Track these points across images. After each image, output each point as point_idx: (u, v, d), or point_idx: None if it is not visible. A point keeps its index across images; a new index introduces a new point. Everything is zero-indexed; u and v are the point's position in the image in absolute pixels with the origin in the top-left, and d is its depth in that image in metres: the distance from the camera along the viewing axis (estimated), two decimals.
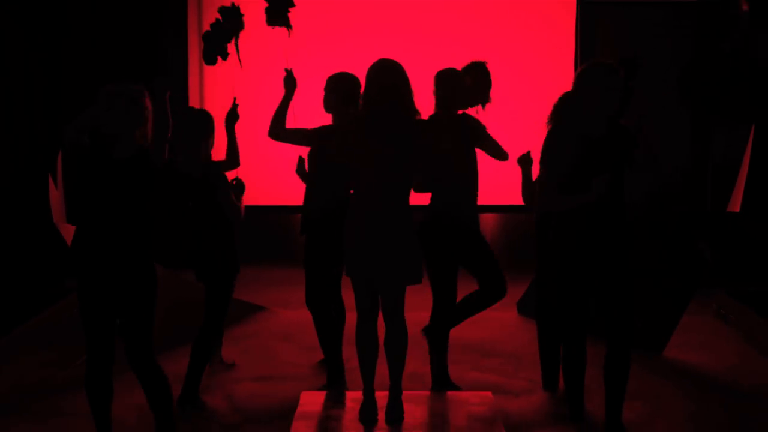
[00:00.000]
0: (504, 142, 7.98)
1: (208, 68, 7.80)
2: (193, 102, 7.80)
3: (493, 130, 7.94)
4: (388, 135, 3.55)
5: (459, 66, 4.49)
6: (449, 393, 4.16)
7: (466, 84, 4.36)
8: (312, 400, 3.99)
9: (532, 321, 5.62)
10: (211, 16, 7.67)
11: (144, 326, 3.31)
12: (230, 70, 7.73)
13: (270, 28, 4.53)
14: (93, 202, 3.23)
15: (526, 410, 4.10)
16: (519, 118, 7.84)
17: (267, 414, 4.04)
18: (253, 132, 7.22)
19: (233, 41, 4.37)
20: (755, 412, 4.07)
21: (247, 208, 6.28)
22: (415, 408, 3.85)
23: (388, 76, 3.56)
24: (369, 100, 3.58)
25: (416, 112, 3.61)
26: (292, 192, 7.65)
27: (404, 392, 3.82)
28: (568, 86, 7.79)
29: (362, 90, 3.65)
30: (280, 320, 5.80)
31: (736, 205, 5.44)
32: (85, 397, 4.14)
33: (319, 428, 3.67)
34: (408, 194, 3.66)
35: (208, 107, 7.63)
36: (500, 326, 5.61)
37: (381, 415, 3.74)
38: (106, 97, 3.36)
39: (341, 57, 7.50)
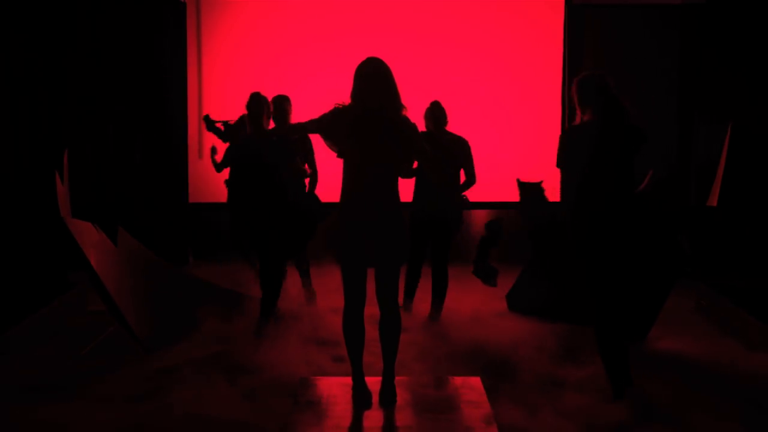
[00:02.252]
0: (494, 143, 8.19)
1: (206, 71, 8.00)
2: (192, 104, 7.93)
3: (483, 132, 8.14)
4: (378, 130, 3.75)
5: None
6: (440, 378, 4.34)
7: None
8: (309, 386, 4.19)
9: (525, 317, 5.77)
10: (209, 19, 7.87)
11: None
12: (229, 70, 7.91)
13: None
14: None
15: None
16: (508, 120, 7.98)
17: (267, 398, 4.18)
18: None
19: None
20: (734, 401, 4.17)
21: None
22: (406, 392, 4.05)
23: (376, 74, 3.77)
24: (359, 98, 3.79)
25: (402, 107, 3.83)
26: None
27: (398, 376, 4.03)
28: (556, 88, 8.00)
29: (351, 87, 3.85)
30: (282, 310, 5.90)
31: (713, 200, 5.62)
32: (92, 385, 4.31)
33: (315, 412, 3.84)
34: (396, 181, 3.88)
35: (206, 109, 7.81)
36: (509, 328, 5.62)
37: (375, 399, 3.94)
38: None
39: (332, 57, 7.66)
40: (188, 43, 7.84)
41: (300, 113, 7.48)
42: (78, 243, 4.65)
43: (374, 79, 3.77)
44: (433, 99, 5.71)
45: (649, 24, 7.85)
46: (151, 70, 7.66)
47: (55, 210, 4.59)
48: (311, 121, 3.94)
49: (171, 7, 7.72)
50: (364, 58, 3.87)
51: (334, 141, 3.86)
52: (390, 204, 3.83)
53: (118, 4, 7.53)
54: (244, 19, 7.94)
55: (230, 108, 7.82)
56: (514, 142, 7.98)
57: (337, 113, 3.84)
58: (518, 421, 3.88)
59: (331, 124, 3.85)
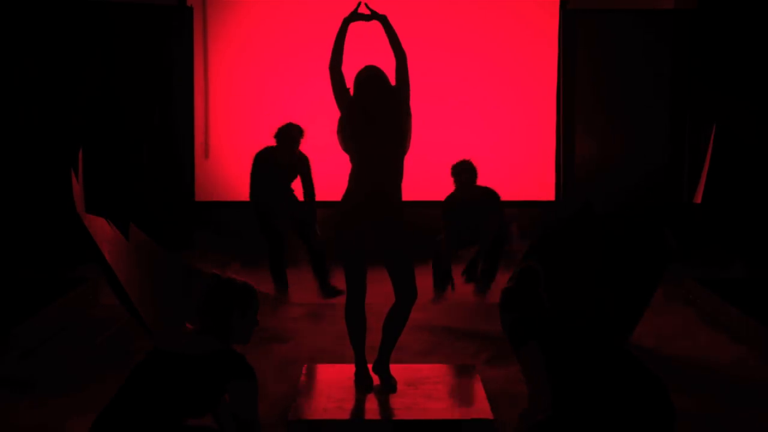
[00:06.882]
0: (488, 146, 8.35)
1: (212, 73, 8.19)
2: (198, 105, 8.11)
3: (478, 135, 8.28)
4: (382, 127, 3.99)
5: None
6: (437, 365, 4.53)
7: None
8: (313, 372, 4.40)
9: None
10: (215, 23, 8.07)
11: None
12: (235, 72, 8.11)
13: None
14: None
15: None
16: (503, 123, 8.12)
17: (271, 385, 4.33)
18: (257, 130, 7.57)
19: None
20: (722, 397, 4.26)
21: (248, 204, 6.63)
22: (407, 378, 4.22)
23: (374, 76, 4.04)
24: (363, 104, 4.03)
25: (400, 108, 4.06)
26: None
27: (397, 364, 4.25)
28: (551, 93, 8.17)
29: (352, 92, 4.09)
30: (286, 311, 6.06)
31: (698, 197, 5.79)
32: (105, 375, 4.44)
33: (320, 395, 4.04)
34: (401, 177, 4.06)
35: (213, 109, 8.03)
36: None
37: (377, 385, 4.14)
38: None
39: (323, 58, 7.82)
40: (195, 46, 8.03)
41: (302, 115, 7.70)
42: (93, 237, 4.79)
43: (372, 81, 4.01)
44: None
45: (643, 28, 8.00)
46: (159, 72, 7.86)
47: (70, 206, 4.72)
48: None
49: (178, 11, 7.92)
50: (366, 61, 4.11)
51: (342, 137, 4.07)
52: (394, 200, 4.04)
53: (128, 10, 7.74)
54: (250, 23, 8.13)
55: (234, 108, 8.05)
56: (509, 145, 8.14)
57: (344, 114, 4.06)
58: (511, 408, 4.00)
59: (340, 122, 4.07)
